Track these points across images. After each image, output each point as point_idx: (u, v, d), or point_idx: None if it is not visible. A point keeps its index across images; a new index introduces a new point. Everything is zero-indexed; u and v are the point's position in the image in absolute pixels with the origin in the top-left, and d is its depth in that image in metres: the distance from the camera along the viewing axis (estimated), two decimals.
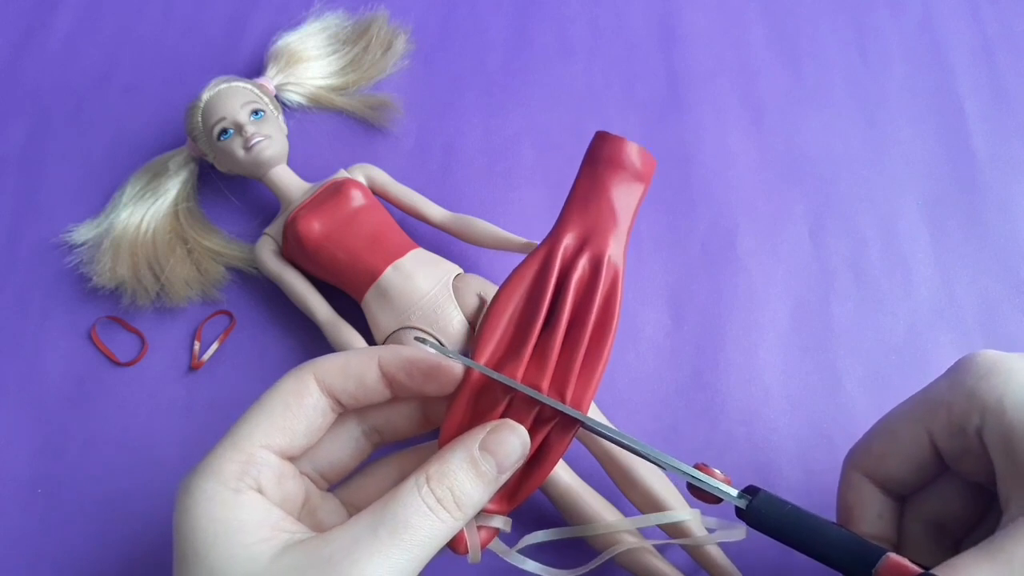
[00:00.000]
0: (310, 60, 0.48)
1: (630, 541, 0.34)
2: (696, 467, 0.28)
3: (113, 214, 0.44)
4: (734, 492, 0.28)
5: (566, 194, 0.31)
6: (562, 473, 0.36)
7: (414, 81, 0.50)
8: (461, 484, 0.25)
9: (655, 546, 0.35)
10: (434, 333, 0.38)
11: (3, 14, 0.53)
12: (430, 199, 0.43)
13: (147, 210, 0.44)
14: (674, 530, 0.35)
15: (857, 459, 0.31)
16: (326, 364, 0.27)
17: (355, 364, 0.27)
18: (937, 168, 0.46)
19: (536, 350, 0.29)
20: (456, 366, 0.27)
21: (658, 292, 0.43)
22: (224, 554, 0.24)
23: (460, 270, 0.40)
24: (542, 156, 0.47)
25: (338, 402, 0.27)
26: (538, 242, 0.32)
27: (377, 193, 0.43)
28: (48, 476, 0.39)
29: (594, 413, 0.37)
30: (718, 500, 0.28)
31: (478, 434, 0.26)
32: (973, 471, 0.29)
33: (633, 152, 0.30)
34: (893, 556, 0.27)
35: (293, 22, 0.49)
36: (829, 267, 0.44)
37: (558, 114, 0.48)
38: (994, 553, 0.25)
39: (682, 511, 0.33)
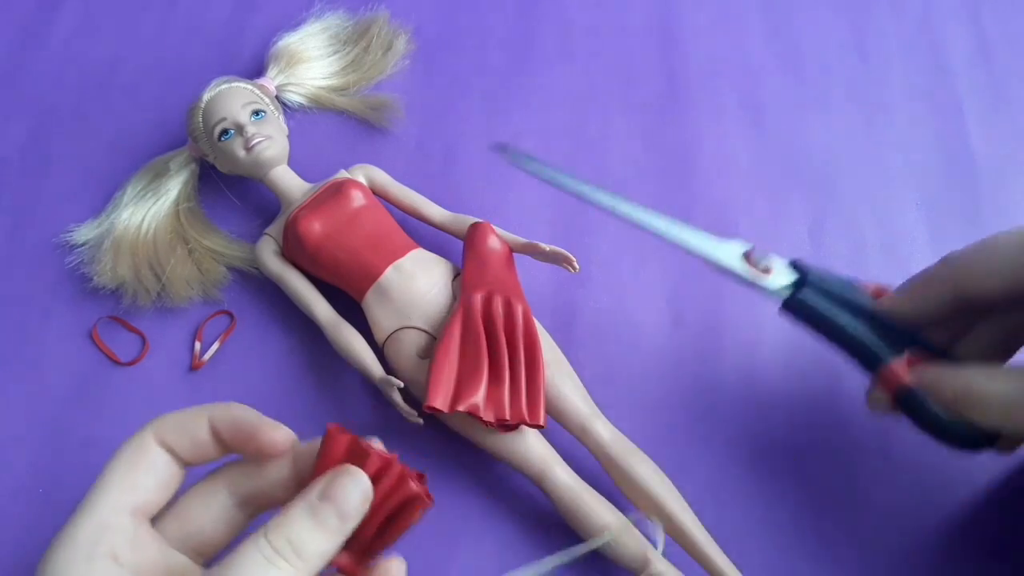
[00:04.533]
0: (311, 60, 0.48)
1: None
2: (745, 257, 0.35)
3: (114, 214, 0.44)
4: (784, 279, 0.34)
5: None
6: (561, 472, 0.36)
7: (415, 81, 0.50)
8: (299, 533, 0.24)
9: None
10: (434, 333, 0.38)
11: (4, 14, 0.53)
12: (430, 199, 0.43)
13: (148, 210, 0.44)
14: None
15: (952, 264, 0.31)
16: (162, 421, 0.27)
17: (187, 420, 0.27)
18: (936, 168, 0.46)
19: (490, 374, 0.35)
20: (278, 434, 0.27)
21: (658, 292, 0.43)
22: None
23: (459, 270, 0.40)
24: (542, 156, 0.47)
25: (179, 458, 0.27)
26: (539, 242, 0.39)
27: (377, 193, 0.43)
28: (49, 476, 0.39)
29: (590, 406, 0.37)
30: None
31: (319, 483, 0.25)
32: None
33: (492, 230, 0.40)
34: (896, 363, 0.32)
35: (294, 23, 0.49)
36: (828, 267, 0.44)
37: (558, 114, 0.48)
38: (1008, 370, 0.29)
39: (595, 541, 0.34)
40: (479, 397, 0.35)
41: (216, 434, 0.27)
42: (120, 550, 0.25)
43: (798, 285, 0.34)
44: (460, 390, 0.35)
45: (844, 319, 0.33)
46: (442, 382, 0.35)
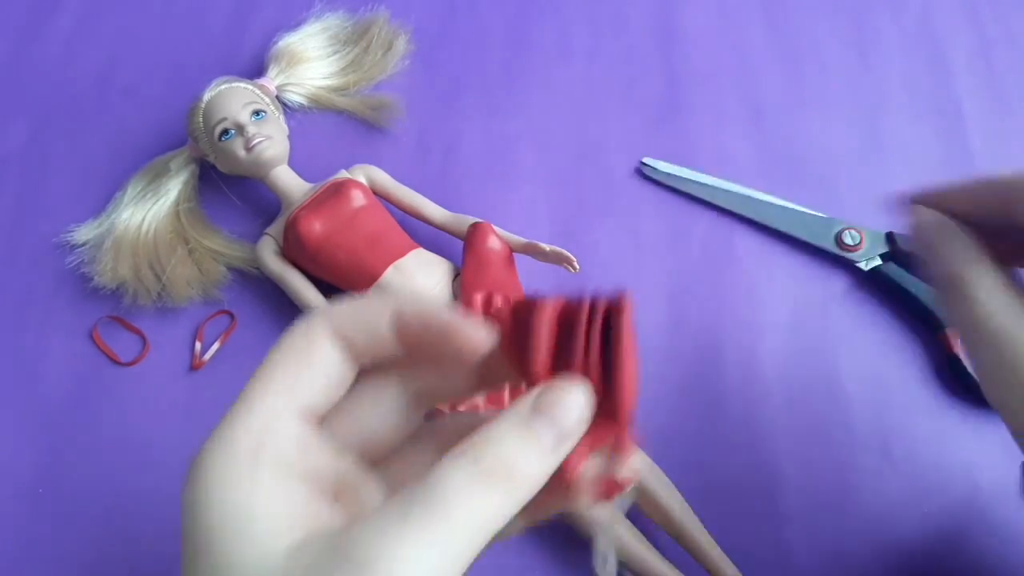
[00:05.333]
0: (311, 61, 0.48)
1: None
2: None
3: (114, 214, 0.44)
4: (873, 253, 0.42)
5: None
6: None
7: (414, 81, 0.50)
8: (510, 450, 0.20)
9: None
10: None
11: (4, 14, 0.53)
12: (430, 199, 0.43)
13: (148, 210, 0.44)
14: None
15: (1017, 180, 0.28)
16: (338, 311, 0.23)
17: (367, 312, 0.23)
18: (936, 168, 0.46)
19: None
20: (479, 335, 0.23)
21: (658, 292, 0.43)
22: (232, 550, 0.20)
23: (458, 271, 0.40)
24: (542, 156, 0.47)
25: (353, 354, 0.23)
26: (539, 242, 0.40)
27: (378, 193, 0.43)
28: (49, 476, 0.39)
29: None
30: None
31: (530, 396, 0.21)
32: None
33: (492, 230, 0.40)
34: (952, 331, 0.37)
35: (294, 23, 0.49)
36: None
37: (558, 114, 0.48)
38: None
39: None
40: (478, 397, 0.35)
41: (401, 329, 0.23)
42: (287, 456, 0.21)
43: (884, 258, 0.42)
44: None
45: (918, 287, 0.40)
46: None
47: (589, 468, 0.22)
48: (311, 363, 0.23)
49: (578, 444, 0.22)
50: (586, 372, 0.22)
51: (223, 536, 0.20)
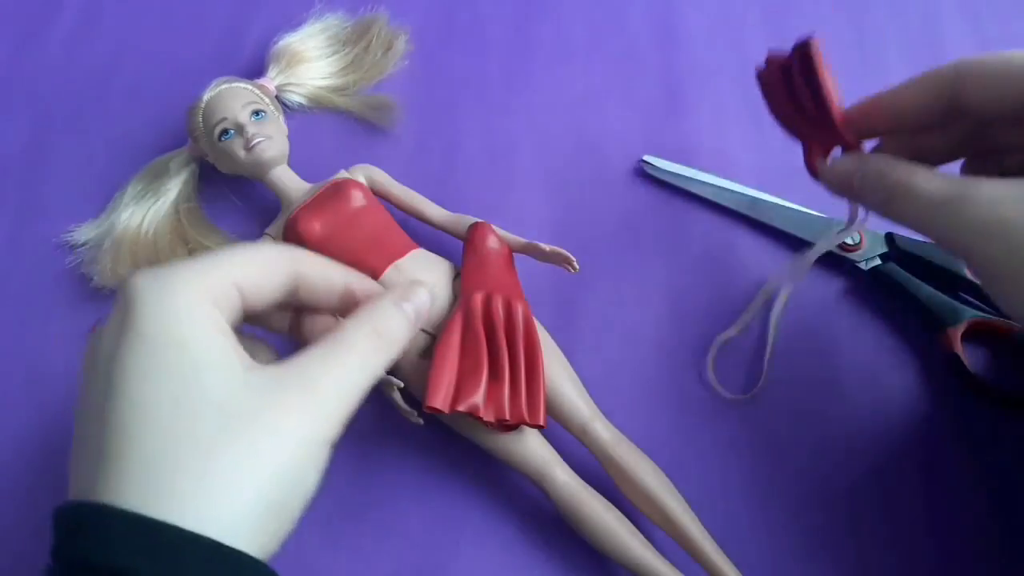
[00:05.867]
0: (311, 61, 0.48)
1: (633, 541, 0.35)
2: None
3: (114, 214, 0.44)
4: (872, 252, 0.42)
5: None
6: (561, 472, 0.36)
7: (414, 82, 0.50)
8: (388, 319, 0.29)
9: None
10: (434, 333, 0.38)
11: (4, 14, 0.53)
12: (430, 200, 0.43)
13: (148, 210, 0.44)
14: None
15: (963, 65, 0.31)
16: (309, 260, 0.30)
17: (332, 274, 0.30)
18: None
19: (490, 374, 0.35)
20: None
21: (658, 292, 0.43)
22: (211, 351, 0.25)
23: (458, 271, 0.40)
24: (542, 157, 0.47)
25: (288, 291, 0.30)
26: (539, 242, 0.40)
27: (378, 193, 0.43)
28: (49, 477, 0.39)
29: (589, 407, 0.37)
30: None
31: (396, 291, 0.31)
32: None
33: (492, 230, 0.41)
34: (952, 330, 0.39)
35: (294, 23, 0.49)
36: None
37: (558, 115, 0.48)
38: (956, 179, 0.29)
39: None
40: (479, 397, 0.35)
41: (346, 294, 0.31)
42: (220, 318, 0.26)
43: (884, 259, 0.42)
44: (460, 390, 0.35)
45: (918, 288, 0.41)
46: (442, 382, 0.35)
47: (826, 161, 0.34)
48: (267, 274, 0.29)
49: (816, 150, 0.35)
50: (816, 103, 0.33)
51: (197, 346, 0.25)
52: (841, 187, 0.34)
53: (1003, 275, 0.28)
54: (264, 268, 0.28)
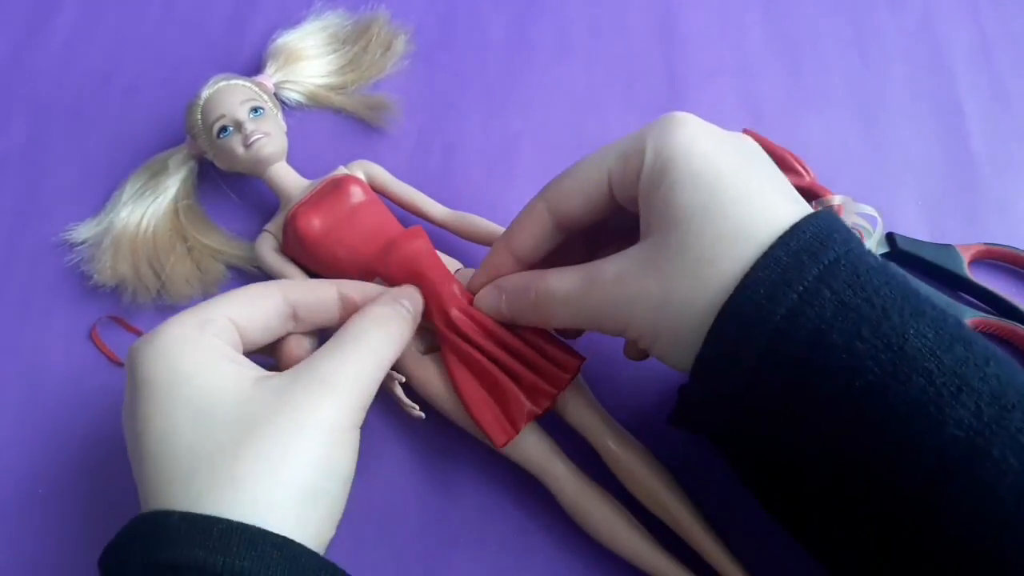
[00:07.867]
0: (309, 59, 0.48)
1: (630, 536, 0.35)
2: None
3: (113, 212, 0.44)
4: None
5: None
6: (563, 467, 0.36)
7: (414, 81, 0.50)
8: (388, 315, 0.32)
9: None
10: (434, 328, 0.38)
11: (3, 14, 0.53)
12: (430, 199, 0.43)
13: (147, 208, 0.44)
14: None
15: (547, 191, 0.33)
16: (295, 282, 0.34)
17: (321, 288, 0.34)
18: (937, 168, 0.46)
19: (507, 374, 0.35)
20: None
21: None
22: (215, 373, 0.28)
23: (460, 265, 0.40)
24: (542, 156, 0.47)
25: (293, 320, 0.33)
26: None
27: (377, 190, 0.43)
28: (49, 476, 0.39)
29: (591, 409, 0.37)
30: None
31: (392, 291, 0.34)
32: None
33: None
34: None
35: (293, 21, 0.49)
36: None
37: (558, 114, 0.48)
38: (583, 268, 0.31)
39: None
40: (524, 402, 0.35)
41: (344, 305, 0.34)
42: (233, 335, 0.31)
43: (885, 258, 0.40)
44: (507, 410, 0.35)
45: (918, 287, 0.40)
46: (490, 419, 0.35)
47: None
48: (259, 309, 0.32)
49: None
50: None
51: (203, 368, 0.28)
52: (497, 316, 0.35)
53: (650, 339, 0.30)
54: (253, 301, 0.32)
